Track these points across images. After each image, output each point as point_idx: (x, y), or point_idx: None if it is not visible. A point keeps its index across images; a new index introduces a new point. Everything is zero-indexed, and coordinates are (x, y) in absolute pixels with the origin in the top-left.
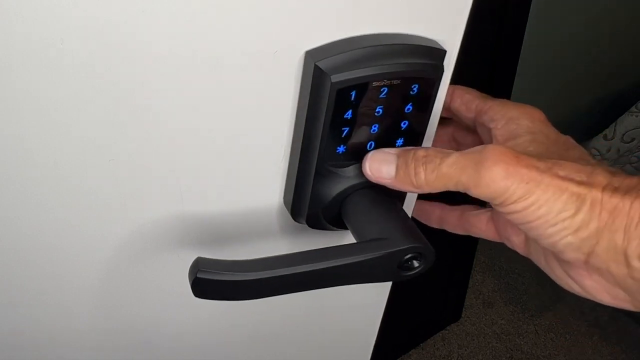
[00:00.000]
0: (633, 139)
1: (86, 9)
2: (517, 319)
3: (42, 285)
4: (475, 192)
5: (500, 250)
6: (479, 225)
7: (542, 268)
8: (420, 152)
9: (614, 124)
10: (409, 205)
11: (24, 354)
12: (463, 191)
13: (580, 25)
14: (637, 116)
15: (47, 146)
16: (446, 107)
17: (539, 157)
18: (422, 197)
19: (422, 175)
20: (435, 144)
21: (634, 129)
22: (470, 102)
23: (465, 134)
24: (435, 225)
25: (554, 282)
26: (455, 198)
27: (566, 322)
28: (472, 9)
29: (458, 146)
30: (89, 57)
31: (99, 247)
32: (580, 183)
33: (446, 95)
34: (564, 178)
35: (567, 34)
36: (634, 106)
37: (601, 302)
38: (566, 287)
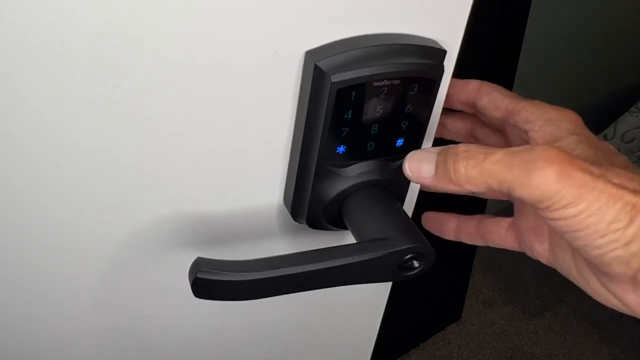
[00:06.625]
0: (633, 139)
1: (87, 9)
2: (517, 319)
3: (42, 285)
4: (520, 193)
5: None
6: (497, 233)
7: (572, 280)
8: (461, 147)
9: (614, 124)
10: (409, 206)
11: (24, 354)
12: (505, 191)
13: (580, 26)
14: (637, 116)
15: (47, 146)
16: (471, 104)
17: (590, 161)
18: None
19: (462, 170)
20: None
21: (634, 129)
22: (498, 100)
23: (488, 132)
24: (451, 238)
25: (554, 282)
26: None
27: (566, 322)
28: (472, 8)
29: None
30: (89, 57)
31: (99, 247)
32: (635, 192)
33: (472, 92)
34: (618, 185)
35: (567, 34)
36: (634, 106)
37: None
38: (603, 301)
